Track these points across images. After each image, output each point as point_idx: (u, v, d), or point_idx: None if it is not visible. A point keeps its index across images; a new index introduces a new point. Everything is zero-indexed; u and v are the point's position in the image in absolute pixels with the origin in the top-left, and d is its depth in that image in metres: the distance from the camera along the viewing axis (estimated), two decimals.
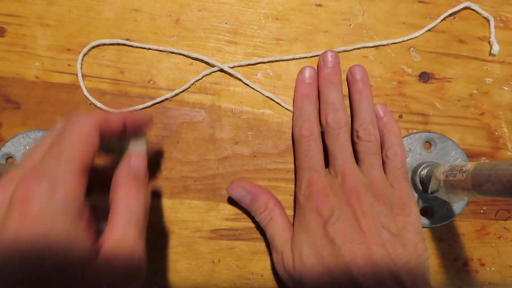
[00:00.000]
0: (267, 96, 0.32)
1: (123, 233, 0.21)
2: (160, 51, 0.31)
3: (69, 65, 0.31)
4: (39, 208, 0.18)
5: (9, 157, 0.30)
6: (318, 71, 0.32)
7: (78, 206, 0.19)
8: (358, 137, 0.29)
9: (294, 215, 0.29)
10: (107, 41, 0.31)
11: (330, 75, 0.31)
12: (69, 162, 0.19)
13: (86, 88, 0.31)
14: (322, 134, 0.30)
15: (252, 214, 0.30)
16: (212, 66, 0.31)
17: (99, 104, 0.31)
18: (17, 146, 0.30)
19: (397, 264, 0.25)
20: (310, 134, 0.29)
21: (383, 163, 0.30)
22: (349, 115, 0.31)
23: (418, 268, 0.25)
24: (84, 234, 0.19)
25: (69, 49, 0.31)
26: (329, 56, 0.31)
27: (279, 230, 0.28)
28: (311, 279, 0.25)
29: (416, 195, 0.32)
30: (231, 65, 0.32)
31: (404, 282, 0.24)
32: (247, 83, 0.32)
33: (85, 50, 0.31)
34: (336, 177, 0.28)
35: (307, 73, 0.31)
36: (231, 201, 0.31)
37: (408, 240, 0.26)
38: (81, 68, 0.31)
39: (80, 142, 0.20)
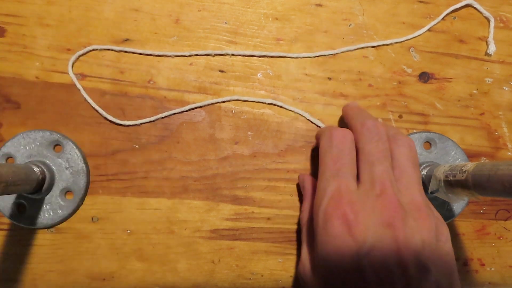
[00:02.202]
0: (269, 103, 0.32)
1: None
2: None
3: None
4: None
5: (9, 157, 0.30)
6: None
7: None
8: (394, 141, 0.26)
9: (315, 237, 0.23)
10: (98, 46, 0.31)
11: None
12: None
13: (85, 88, 0.31)
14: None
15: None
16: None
17: (96, 106, 0.31)
18: (17, 146, 0.30)
19: None
20: (344, 140, 0.24)
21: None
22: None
23: None
24: None
25: (69, 49, 0.31)
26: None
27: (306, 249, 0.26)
28: None
29: None
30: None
31: None
32: (247, 99, 0.32)
33: (73, 58, 0.31)
34: (373, 188, 0.22)
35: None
36: (231, 201, 0.31)
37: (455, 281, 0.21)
38: (73, 69, 0.31)
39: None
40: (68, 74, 0.31)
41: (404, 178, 0.23)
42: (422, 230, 0.21)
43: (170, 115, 0.31)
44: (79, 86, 0.31)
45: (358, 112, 0.27)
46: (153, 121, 0.31)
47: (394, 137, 0.25)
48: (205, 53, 0.32)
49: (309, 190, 0.28)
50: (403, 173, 0.23)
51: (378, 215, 0.21)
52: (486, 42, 0.34)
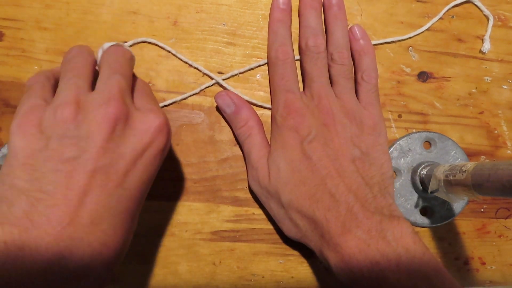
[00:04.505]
0: (266, 108, 0.32)
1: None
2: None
3: None
4: None
5: None
6: None
7: None
8: (332, 59, 0.30)
9: (271, 135, 0.30)
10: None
11: (312, 0, 0.31)
12: None
13: None
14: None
15: (232, 127, 0.31)
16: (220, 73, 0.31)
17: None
18: None
19: (364, 178, 0.28)
20: (286, 57, 0.30)
21: (357, 84, 0.31)
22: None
23: (381, 183, 0.28)
24: None
25: None
26: None
27: (256, 146, 0.30)
28: (287, 191, 0.28)
29: (416, 195, 0.32)
30: (235, 72, 0.32)
31: (367, 192, 0.27)
32: (247, 99, 0.31)
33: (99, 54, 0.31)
34: (312, 99, 0.29)
35: None
36: (231, 202, 0.31)
37: (375, 159, 0.29)
38: None
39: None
40: None
41: (338, 86, 0.30)
42: (351, 126, 0.29)
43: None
44: None
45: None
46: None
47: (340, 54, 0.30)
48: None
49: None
50: (337, 83, 0.30)
51: (317, 118, 0.29)
52: (482, 40, 0.34)
